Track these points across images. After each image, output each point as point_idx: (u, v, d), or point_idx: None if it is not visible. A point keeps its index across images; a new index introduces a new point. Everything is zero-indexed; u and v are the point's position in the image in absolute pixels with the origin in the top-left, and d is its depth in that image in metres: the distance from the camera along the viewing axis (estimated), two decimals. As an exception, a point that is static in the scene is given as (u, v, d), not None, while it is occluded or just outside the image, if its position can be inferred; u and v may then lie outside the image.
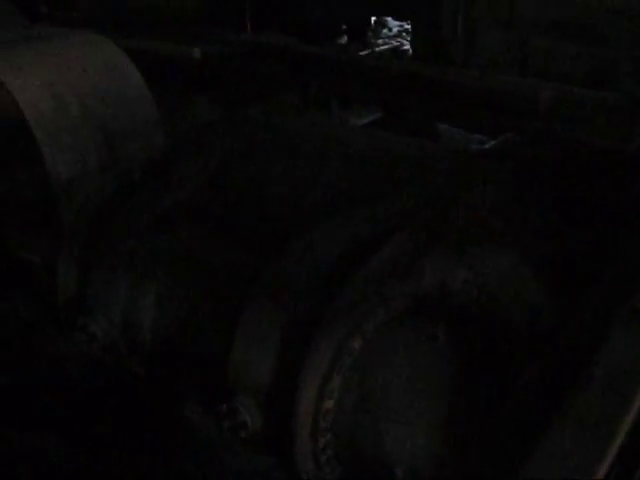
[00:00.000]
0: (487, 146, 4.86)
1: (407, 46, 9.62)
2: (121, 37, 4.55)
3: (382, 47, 9.57)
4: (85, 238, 3.47)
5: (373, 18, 10.28)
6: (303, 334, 2.59)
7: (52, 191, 3.45)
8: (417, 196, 3.09)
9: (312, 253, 2.85)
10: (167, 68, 5.27)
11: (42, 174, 3.44)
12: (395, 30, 10.46)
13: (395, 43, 9.87)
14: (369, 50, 8.70)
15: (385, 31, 10.43)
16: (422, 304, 2.66)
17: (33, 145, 3.42)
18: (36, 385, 3.99)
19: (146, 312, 3.28)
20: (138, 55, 4.15)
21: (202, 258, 3.25)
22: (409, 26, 9.90)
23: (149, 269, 3.28)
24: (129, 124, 3.73)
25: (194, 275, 3.23)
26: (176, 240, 3.34)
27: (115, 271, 3.35)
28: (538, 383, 2.25)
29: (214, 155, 3.74)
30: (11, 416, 3.64)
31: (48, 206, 3.50)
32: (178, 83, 5.09)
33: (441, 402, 2.47)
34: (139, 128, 3.78)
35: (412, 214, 2.96)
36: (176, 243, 3.34)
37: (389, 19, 10.48)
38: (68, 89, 3.60)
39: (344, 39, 9.70)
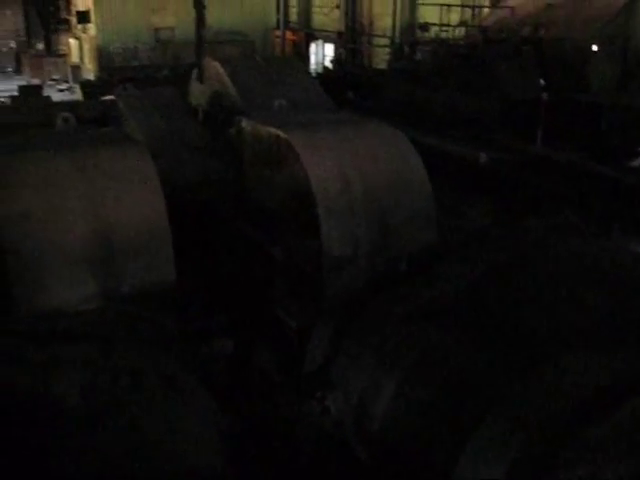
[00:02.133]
0: None
1: None
2: (414, 131, 4.75)
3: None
4: (342, 315, 3.61)
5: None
6: (536, 467, 2.43)
7: (322, 265, 3.64)
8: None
9: (562, 385, 2.68)
10: (452, 167, 5.39)
11: (316, 247, 3.65)
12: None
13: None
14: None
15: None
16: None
17: (314, 219, 3.65)
18: (264, 438, 4.15)
19: (382, 401, 3.28)
20: (426, 150, 4.31)
21: (448, 363, 3.20)
22: None
23: (394, 360, 3.30)
24: (406, 215, 3.85)
25: (436, 377, 3.19)
26: (426, 338, 3.34)
27: (362, 354, 3.43)
28: None
29: (480, 262, 3.72)
30: (233, 462, 3.80)
31: (315, 277, 3.70)
32: (459, 183, 5.17)
33: None
34: (414, 221, 3.87)
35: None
36: (425, 341, 3.33)
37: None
38: (356, 173, 3.82)
39: (638, 162, 9.24)
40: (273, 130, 4.02)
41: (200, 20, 6.53)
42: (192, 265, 3.82)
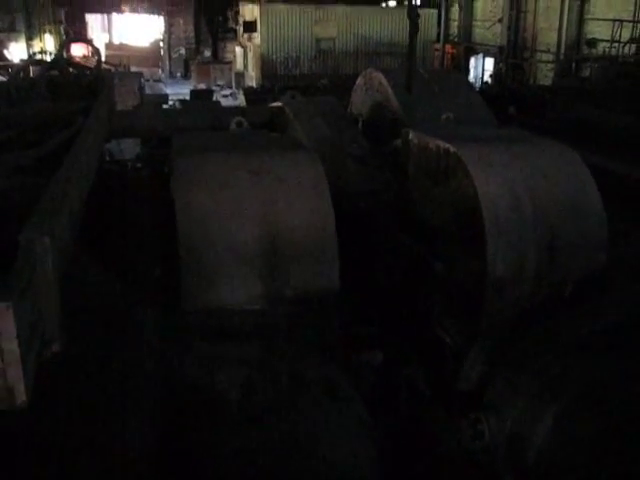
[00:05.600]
0: None
1: None
2: (583, 151, 4.52)
3: None
4: (502, 337, 3.50)
5: None
6: None
7: (485, 284, 3.53)
8: None
9: None
10: (623, 192, 5.10)
11: (480, 266, 3.55)
12: None
13: None
14: None
15: None
16: None
17: (480, 236, 3.56)
18: (407, 454, 4.08)
19: (540, 432, 3.14)
20: (596, 172, 4.08)
21: (615, 399, 3.02)
22: None
23: (555, 390, 3.15)
24: (576, 239, 3.66)
25: (601, 414, 3.01)
26: (591, 370, 3.16)
27: (520, 380, 3.30)
28: None
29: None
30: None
31: (476, 296, 3.60)
32: (631, 209, 4.88)
33: None
34: (584, 246, 3.68)
35: None
36: (590, 373, 3.15)
37: None
38: (526, 192, 3.68)
39: None
40: (442, 143, 3.96)
41: (413, 27, 6.49)
42: (349, 273, 3.83)
